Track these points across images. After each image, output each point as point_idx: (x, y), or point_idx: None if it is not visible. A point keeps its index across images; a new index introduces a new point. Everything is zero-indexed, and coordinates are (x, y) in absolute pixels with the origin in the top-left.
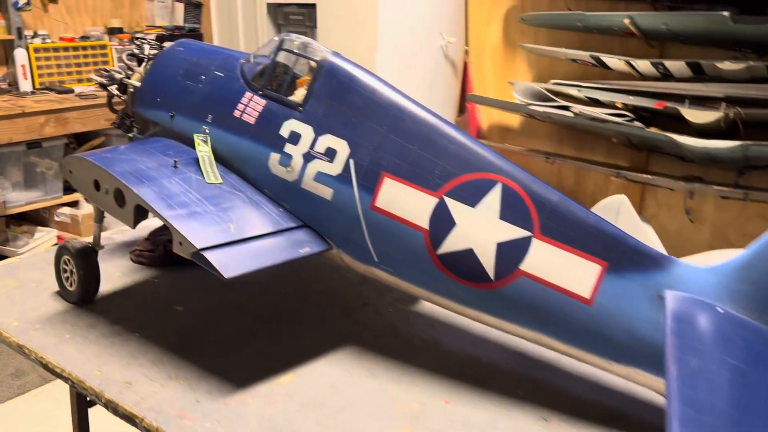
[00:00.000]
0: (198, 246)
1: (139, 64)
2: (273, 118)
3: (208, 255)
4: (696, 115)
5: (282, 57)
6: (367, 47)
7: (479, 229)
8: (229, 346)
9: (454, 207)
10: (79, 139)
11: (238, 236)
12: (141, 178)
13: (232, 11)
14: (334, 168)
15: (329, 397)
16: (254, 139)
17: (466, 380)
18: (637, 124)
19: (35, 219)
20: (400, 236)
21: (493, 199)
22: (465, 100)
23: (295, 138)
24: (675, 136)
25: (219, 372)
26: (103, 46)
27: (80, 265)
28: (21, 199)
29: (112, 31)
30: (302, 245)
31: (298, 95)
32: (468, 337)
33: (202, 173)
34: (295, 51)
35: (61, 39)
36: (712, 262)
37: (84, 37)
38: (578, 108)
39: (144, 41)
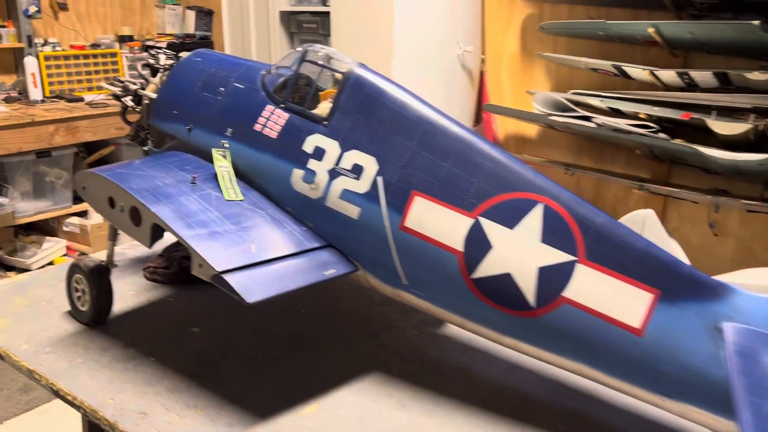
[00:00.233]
0: (219, 269)
1: (154, 75)
2: (296, 132)
3: (229, 278)
4: (724, 127)
5: (305, 68)
6: (382, 56)
7: (518, 252)
8: (248, 371)
9: (491, 228)
10: (89, 148)
11: (260, 258)
12: (158, 195)
13: (244, 19)
14: (361, 185)
15: (357, 431)
16: (276, 155)
17: (500, 412)
18: (662, 135)
19: (44, 229)
20: (432, 259)
21: (533, 220)
22: (481, 109)
23: (319, 153)
24: (702, 148)
25: (239, 401)
26: (114, 54)
27: (93, 284)
28: (30, 209)
29: (123, 39)
30: (327, 267)
31: (322, 109)
32: (500, 364)
33: (222, 190)
34: (319, 62)
35: (72, 47)
36: (752, 281)
37: (94, 45)
38: (601, 119)
39: (159, 51)
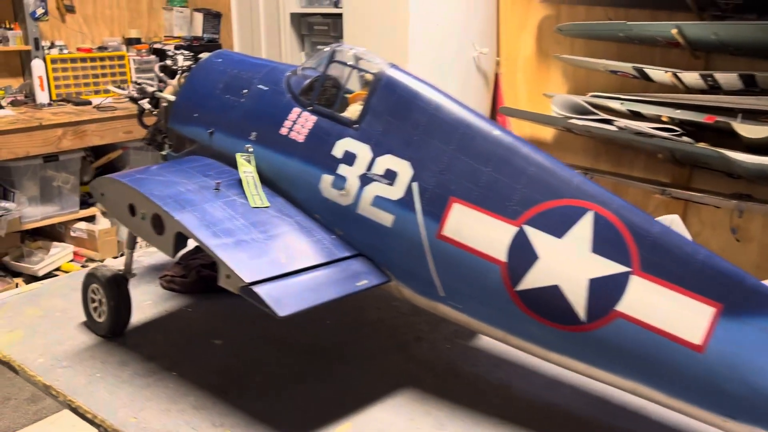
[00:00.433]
0: (247, 280)
1: (172, 77)
2: (325, 136)
3: (259, 290)
4: (750, 130)
5: (333, 69)
6: (397, 58)
7: (567, 263)
8: (275, 387)
9: (537, 237)
10: (96, 152)
11: (290, 268)
12: (181, 202)
13: (254, 22)
14: (395, 192)
15: None
16: (304, 159)
17: (543, 431)
18: (686, 139)
19: (50, 234)
20: (472, 269)
21: (583, 229)
22: (496, 112)
23: (349, 158)
24: (728, 152)
25: (269, 420)
26: (121, 57)
27: (110, 295)
28: (37, 214)
29: (130, 42)
30: (359, 277)
31: (352, 111)
32: (539, 380)
33: (247, 196)
34: (348, 63)
35: (79, 50)
36: None
37: (101, 48)
38: (623, 122)
39: (177, 52)
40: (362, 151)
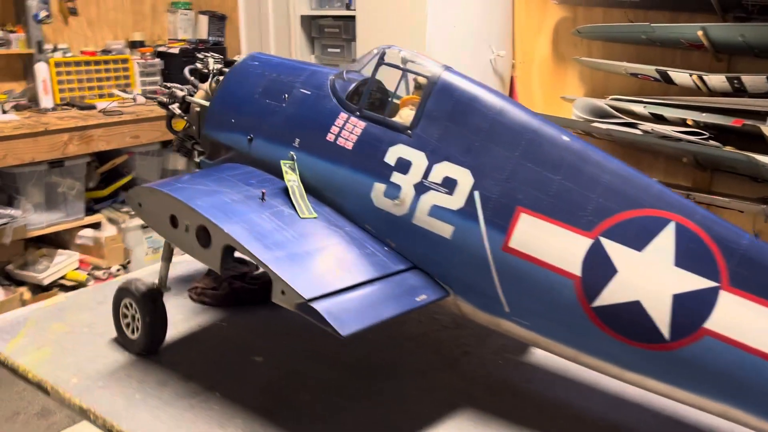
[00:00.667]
0: (306, 296)
1: (202, 80)
2: (376, 142)
3: (319, 307)
4: None
5: (383, 72)
6: None
7: (648, 277)
8: (326, 407)
9: (614, 250)
10: (100, 157)
11: (347, 283)
12: (227, 212)
13: (263, 24)
14: (455, 201)
15: None
16: (353, 167)
17: None
18: (714, 143)
19: (54, 241)
20: (542, 284)
21: (665, 241)
22: None
23: (404, 166)
24: (758, 156)
25: None
26: (125, 60)
27: (146, 310)
28: (42, 221)
29: (134, 45)
30: (417, 292)
31: (403, 116)
32: (602, 397)
33: (294, 206)
34: (400, 65)
35: (82, 53)
36: None
37: (105, 51)
38: (649, 126)
39: (207, 54)
40: (417, 158)
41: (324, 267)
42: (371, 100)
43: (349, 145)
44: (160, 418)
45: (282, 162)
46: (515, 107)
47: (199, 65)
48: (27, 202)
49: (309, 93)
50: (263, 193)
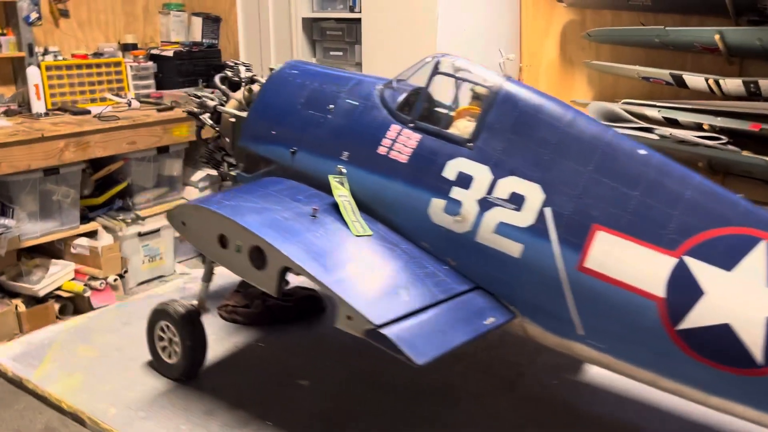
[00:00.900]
0: (376, 322)
1: (233, 89)
2: (433, 156)
3: (391, 334)
4: None
5: (437, 82)
6: None
7: (739, 299)
8: None
9: (701, 270)
10: (95, 164)
11: (414, 306)
12: (282, 231)
13: (263, 27)
14: (524, 218)
15: None
16: (408, 181)
17: None
18: (732, 147)
19: (48, 251)
20: (622, 306)
21: (756, 260)
22: None
23: (465, 180)
24: None
25: None
26: (118, 63)
27: (186, 334)
28: (36, 231)
29: (126, 48)
30: (484, 315)
31: (461, 128)
32: (675, 422)
33: (347, 223)
34: (457, 75)
35: (74, 56)
36: None
37: (97, 54)
38: (668, 130)
39: (237, 62)
40: (480, 172)
41: (388, 289)
42: (434, 110)
43: (403, 159)
44: None
45: (330, 176)
46: (584, 119)
47: (229, 73)
48: (21, 211)
49: (356, 103)
50: (315, 210)
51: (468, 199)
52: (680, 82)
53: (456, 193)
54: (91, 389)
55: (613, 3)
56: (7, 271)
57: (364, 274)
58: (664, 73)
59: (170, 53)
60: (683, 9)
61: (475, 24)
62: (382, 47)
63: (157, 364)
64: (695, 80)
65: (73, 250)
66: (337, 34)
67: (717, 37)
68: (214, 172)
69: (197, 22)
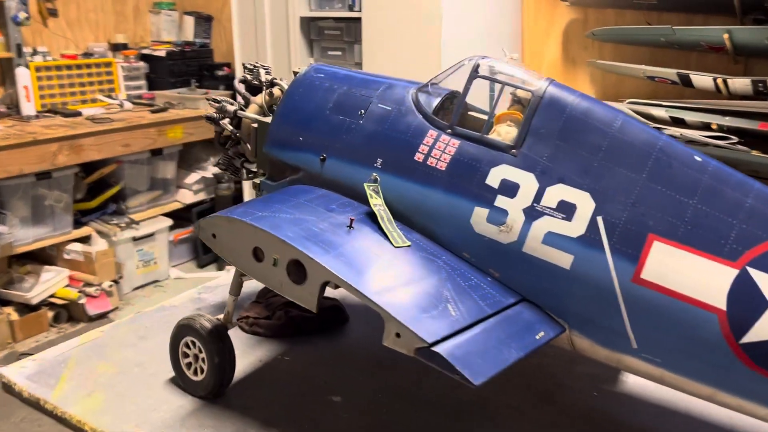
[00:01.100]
0: (429, 340)
1: (253, 93)
2: (474, 162)
3: (444, 352)
4: None
5: (476, 86)
6: (429, 64)
7: None
8: None
9: (765, 282)
10: (86, 168)
11: (464, 321)
12: (320, 244)
13: (259, 26)
14: (574, 228)
15: None
16: (448, 190)
17: None
18: (742, 147)
19: (40, 257)
20: (681, 319)
21: None
22: None
23: (510, 189)
24: None
25: None
26: (108, 64)
27: (214, 350)
28: (28, 236)
29: (117, 47)
30: (534, 329)
31: (502, 133)
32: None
33: (386, 234)
34: (498, 78)
35: (63, 56)
36: None
37: (86, 54)
38: (678, 131)
39: (256, 64)
40: (526, 180)
41: (435, 303)
42: (469, 114)
43: (442, 166)
44: None
45: (365, 185)
46: (635, 123)
47: (248, 76)
48: (13, 217)
49: (389, 108)
50: (351, 221)
51: (514, 207)
52: (687, 82)
53: (500, 201)
54: (115, 410)
55: (617, 2)
56: None
57: (409, 288)
58: (671, 73)
59: (162, 53)
60: (688, 8)
61: (478, 23)
62: (383, 47)
63: (181, 382)
64: (702, 80)
65: (66, 256)
66: (335, 33)
67: (726, 36)
68: (209, 175)
69: (189, 21)
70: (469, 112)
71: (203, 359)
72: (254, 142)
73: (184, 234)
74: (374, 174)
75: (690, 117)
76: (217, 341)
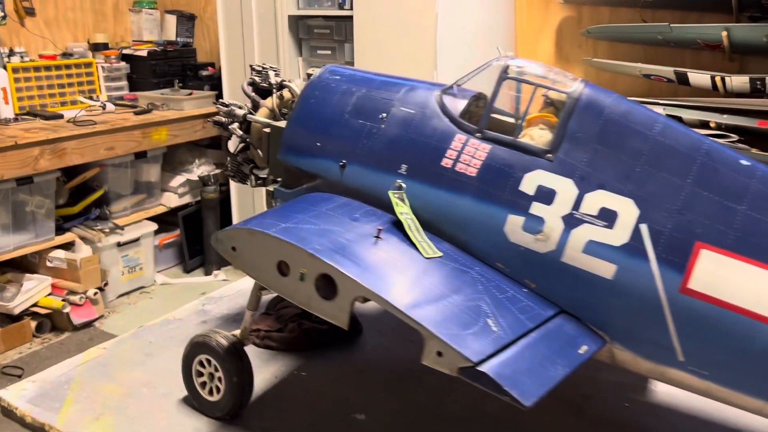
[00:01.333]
0: (474, 359)
1: (262, 96)
2: (506, 168)
3: (491, 372)
4: None
5: (506, 88)
6: (424, 64)
7: None
8: None
9: None
10: (68, 172)
11: (507, 337)
12: (351, 257)
13: (246, 25)
14: (617, 236)
15: None
16: (479, 197)
17: None
18: (742, 146)
19: (21, 265)
20: (732, 330)
21: None
22: None
23: (546, 195)
24: None
25: None
26: (89, 64)
27: (232, 369)
28: (9, 244)
29: (97, 47)
30: (576, 343)
31: (535, 137)
32: None
33: (415, 244)
34: (530, 80)
35: (41, 57)
36: None
37: (66, 55)
38: None
39: (265, 66)
40: (563, 186)
41: (475, 318)
42: (498, 117)
43: (472, 171)
44: None
45: (390, 192)
46: (677, 126)
47: (256, 78)
48: None
49: (413, 111)
50: (379, 231)
51: (551, 215)
52: (683, 80)
53: (536, 208)
54: None
55: None
56: None
57: (446, 302)
58: (668, 71)
59: (144, 53)
60: (683, 5)
61: (474, 21)
62: (376, 46)
63: (196, 402)
64: (700, 77)
65: (48, 264)
66: (324, 32)
67: (724, 34)
68: (194, 177)
69: (171, 20)
70: (493, 115)
71: (219, 378)
72: (266, 147)
73: (170, 238)
74: (399, 180)
75: (687, 115)
76: (236, 360)
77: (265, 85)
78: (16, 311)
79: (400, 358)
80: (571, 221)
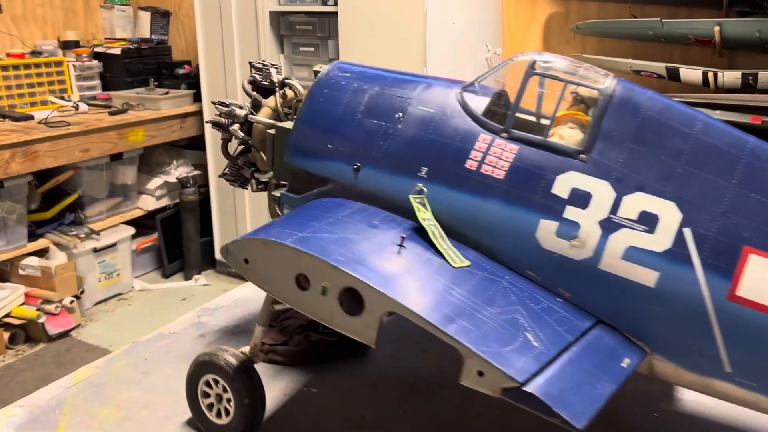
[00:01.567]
0: (519, 378)
1: (264, 95)
2: (537, 170)
3: (539, 392)
4: None
5: (533, 84)
6: (414, 61)
7: None
8: None
9: None
10: (40, 175)
11: (550, 353)
12: (376, 268)
13: (225, 22)
14: (659, 241)
15: None
16: (508, 201)
17: None
18: None
19: None
20: None
21: None
22: None
23: (581, 198)
24: None
25: None
26: (59, 63)
27: (242, 389)
28: None
29: (67, 45)
30: (618, 355)
31: (566, 137)
32: None
33: (442, 253)
34: (559, 76)
35: (9, 55)
36: None
37: (35, 53)
38: None
39: (266, 63)
40: (599, 188)
41: (513, 333)
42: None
43: (500, 174)
44: None
45: (411, 197)
46: (719, 124)
47: (257, 77)
48: None
49: (432, 111)
50: (402, 239)
51: (587, 220)
52: (674, 76)
53: (571, 213)
54: None
55: None
56: None
57: (481, 316)
58: (659, 67)
59: (117, 51)
60: (673, 0)
61: (463, 17)
62: (362, 43)
63: (202, 426)
64: (691, 73)
65: (21, 272)
66: (307, 28)
67: (717, 29)
68: (172, 179)
69: (145, 16)
70: (516, 114)
71: (228, 399)
72: (271, 150)
73: (147, 242)
74: (419, 184)
75: None
76: (246, 379)
77: (266, 83)
78: None
79: (412, 367)
80: (609, 226)
